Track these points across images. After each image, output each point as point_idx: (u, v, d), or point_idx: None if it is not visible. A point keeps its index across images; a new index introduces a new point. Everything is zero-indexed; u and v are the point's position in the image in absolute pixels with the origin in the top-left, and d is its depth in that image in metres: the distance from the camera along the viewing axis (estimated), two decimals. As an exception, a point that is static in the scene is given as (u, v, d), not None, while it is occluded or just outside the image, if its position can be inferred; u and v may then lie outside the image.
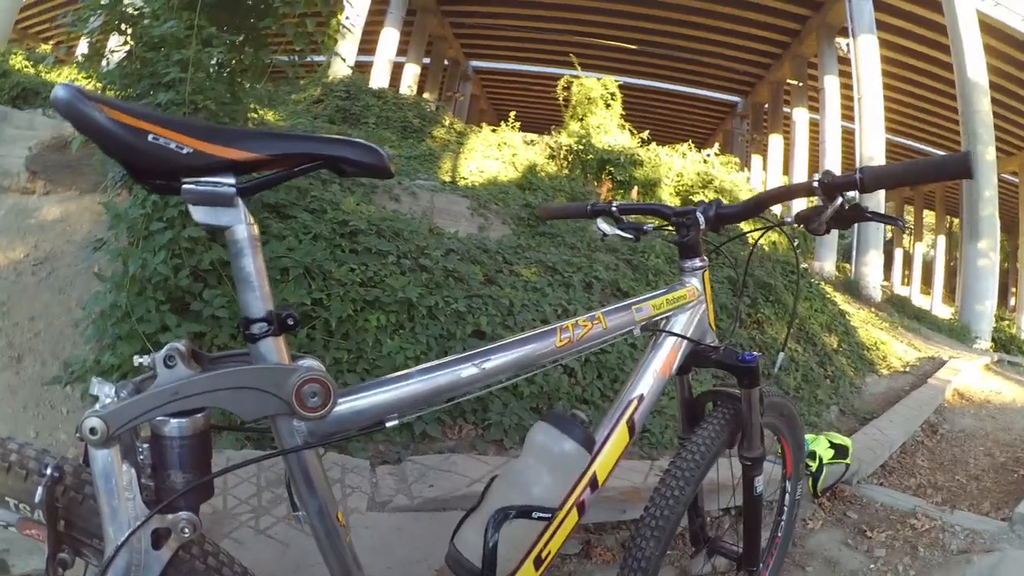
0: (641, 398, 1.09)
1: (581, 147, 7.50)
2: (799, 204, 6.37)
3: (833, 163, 12.89)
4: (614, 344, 2.91)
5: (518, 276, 3.32)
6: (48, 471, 0.69)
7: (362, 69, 11.16)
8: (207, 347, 2.24)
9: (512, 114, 8.57)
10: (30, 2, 13.08)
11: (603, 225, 1.27)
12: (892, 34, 13.71)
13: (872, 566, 2.09)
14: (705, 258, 1.22)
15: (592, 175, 7.27)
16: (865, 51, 12.05)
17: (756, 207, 1.15)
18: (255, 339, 0.73)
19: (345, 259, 2.71)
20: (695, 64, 18.40)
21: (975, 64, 11.57)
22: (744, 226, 1.54)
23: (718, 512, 2.01)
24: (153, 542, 0.69)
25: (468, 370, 0.86)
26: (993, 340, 11.40)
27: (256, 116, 3.08)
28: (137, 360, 0.71)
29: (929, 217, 29.68)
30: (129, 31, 2.54)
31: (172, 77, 2.35)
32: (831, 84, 13.62)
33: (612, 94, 8.85)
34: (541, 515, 0.95)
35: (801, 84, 15.58)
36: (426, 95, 15.01)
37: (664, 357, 1.13)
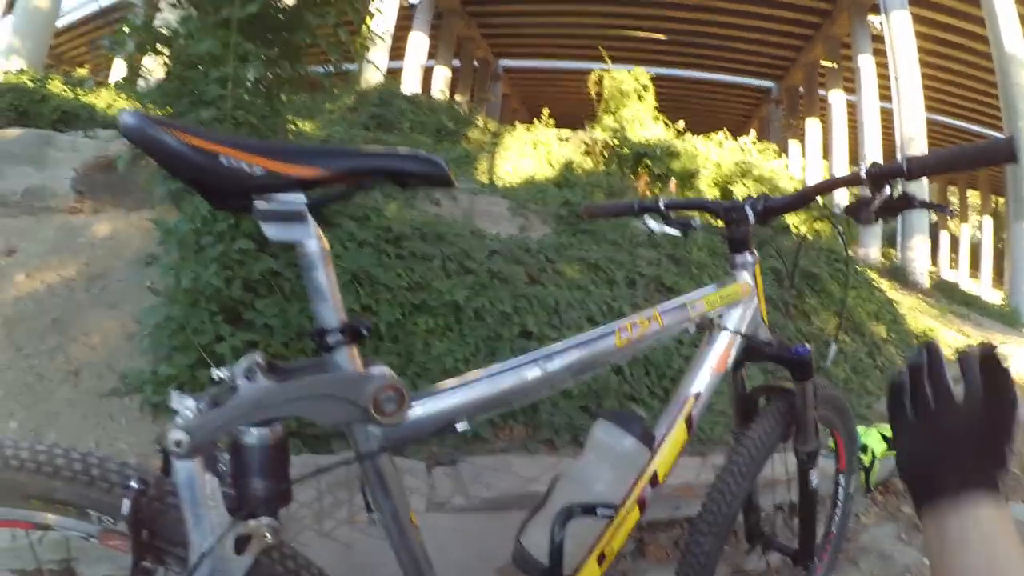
0: (698, 395, 1.10)
1: (616, 141, 7.46)
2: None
3: (873, 144, 12.58)
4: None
5: (561, 275, 3.32)
6: (133, 483, 0.71)
7: (393, 75, 11.27)
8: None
9: (545, 111, 8.56)
10: (63, 28, 13.48)
11: (651, 223, 1.27)
12: (925, 8, 13.29)
13: (926, 561, 2.06)
14: (755, 253, 1.21)
15: (628, 169, 7.23)
16: (898, 28, 11.69)
17: (803, 199, 1.15)
18: (330, 348, 0.76)
19: (391, 264, 2.75)
20: (726, 51, 18.14)
21: (1012, 36, 11.13)
22: (789, 218, 1.53)
23: (771, 508, 2.00)
24: (236, 548, 0.72)
25: (532, 372, 0.88)
26: (1045, 325, 10.97)
27: (294, 128, 3.14)
28: (216, 374, 0.74)
29: (973, 197, 28.80)
30: (166, 51, 2.61)
31: (213, 95, 2.42)
32: (866, 64, 13.28)
33: (644, 86, 8.78)
34: (604, 511, 0.97)
35: (835, 65, 15.25)
36: (458, 97, 15.10)
37: (719, 353, 1.13)
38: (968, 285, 20.84)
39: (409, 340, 2.54)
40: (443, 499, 1.85)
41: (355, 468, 0.81)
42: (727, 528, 1.14)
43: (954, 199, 28.05)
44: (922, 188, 10.67)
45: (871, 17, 12.86)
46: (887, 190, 1.03)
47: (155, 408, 2.27)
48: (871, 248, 11.69)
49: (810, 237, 5.83)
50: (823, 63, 15.78)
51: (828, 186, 1.14)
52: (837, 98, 15.11)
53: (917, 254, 11.16)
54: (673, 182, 7.06)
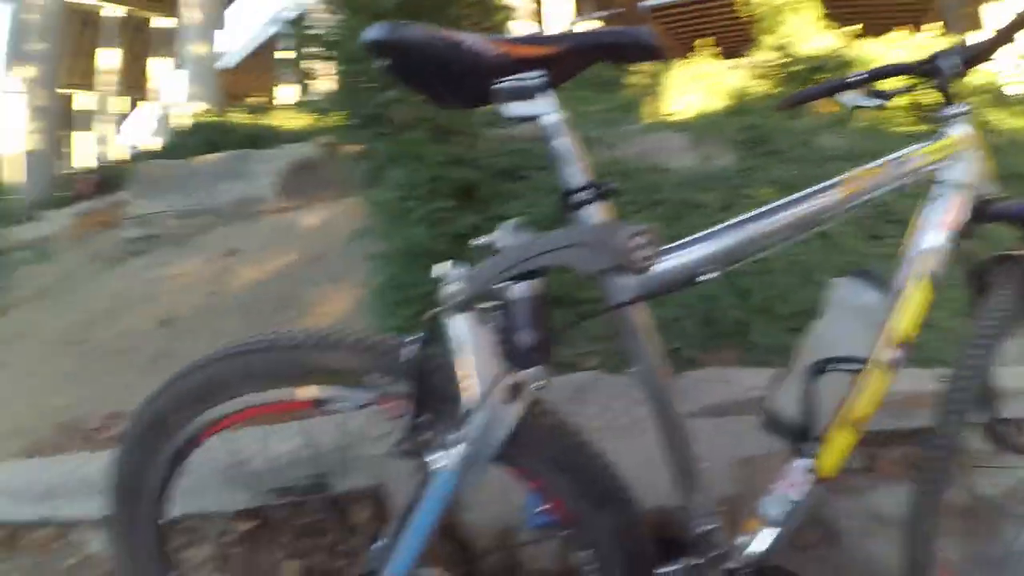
0: (933, 250, 1.04)
1: (786, 59, 6.98)
2: None
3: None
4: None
5: (751, 198, 3.20)
6: (410, 344, 0.80)
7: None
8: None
9: (703, 42, 8.17)
10: (224, 70, 14.88)
11: (853, 97, 1.22)
12: None
13: None
14: (966, 103, 1.11)
15: (803, 86, 6.71)
16: None
17: (1007, 34, 1.05)
18: (580, 205, 0.82)
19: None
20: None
21: None
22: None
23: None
24: (508, 397, 0.79)
25: (764, 224, 0.91)
26: None
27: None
28: (475, 242, 0.82)
29: None
30: (334, 55, 2.83)
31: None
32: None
33: (799, -4, 8.06)
34: (853, 365, 0.96)
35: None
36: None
37: (946, 209, 1.06)
38: None
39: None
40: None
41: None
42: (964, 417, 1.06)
43: None
44: None
45: None
46: None
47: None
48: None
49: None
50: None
51: None
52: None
53: None
54: (853, 91, 6.46)
